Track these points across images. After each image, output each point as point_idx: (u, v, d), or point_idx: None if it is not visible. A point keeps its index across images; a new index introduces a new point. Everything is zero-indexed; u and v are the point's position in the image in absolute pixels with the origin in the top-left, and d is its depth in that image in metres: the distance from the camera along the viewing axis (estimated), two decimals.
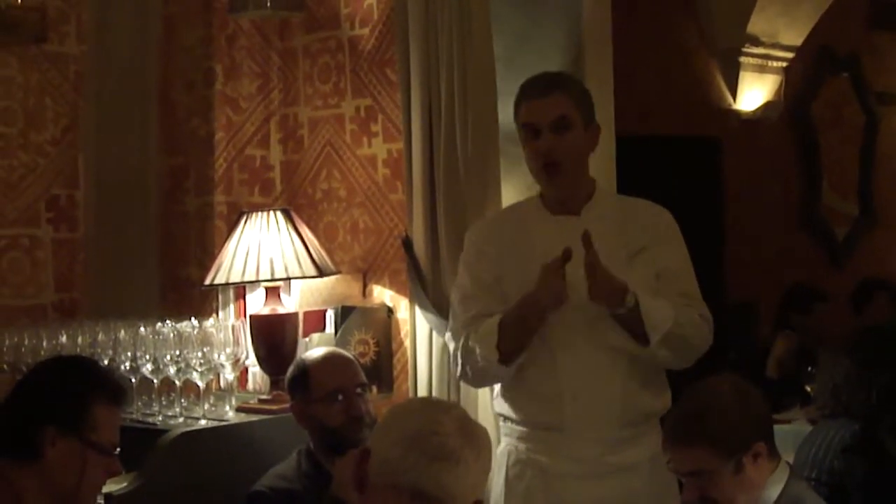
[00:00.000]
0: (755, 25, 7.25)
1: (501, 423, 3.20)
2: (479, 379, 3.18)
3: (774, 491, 2.67)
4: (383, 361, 4.06)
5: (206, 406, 3.72)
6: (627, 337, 2.98)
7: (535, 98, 3.06)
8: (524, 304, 2.97)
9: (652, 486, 3.03)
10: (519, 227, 3.15)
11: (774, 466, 2.70)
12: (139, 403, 3.75)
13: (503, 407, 3.14)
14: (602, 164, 3.23)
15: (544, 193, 3.15)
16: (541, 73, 3.21)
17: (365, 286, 4.19)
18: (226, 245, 3.98)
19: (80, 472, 2.51)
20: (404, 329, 4.03)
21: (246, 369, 4.20)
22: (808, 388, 4.92)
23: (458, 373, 3.17)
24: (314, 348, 3.65)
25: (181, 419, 3.64)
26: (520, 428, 3.10)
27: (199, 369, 3.62)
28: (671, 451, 2.71)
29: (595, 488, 3.02)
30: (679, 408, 2.79)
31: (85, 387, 2.56)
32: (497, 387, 3.21)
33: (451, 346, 3.16)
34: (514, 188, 3.78)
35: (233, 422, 3.68)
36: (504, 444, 3.16)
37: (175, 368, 3.61)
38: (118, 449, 2.61)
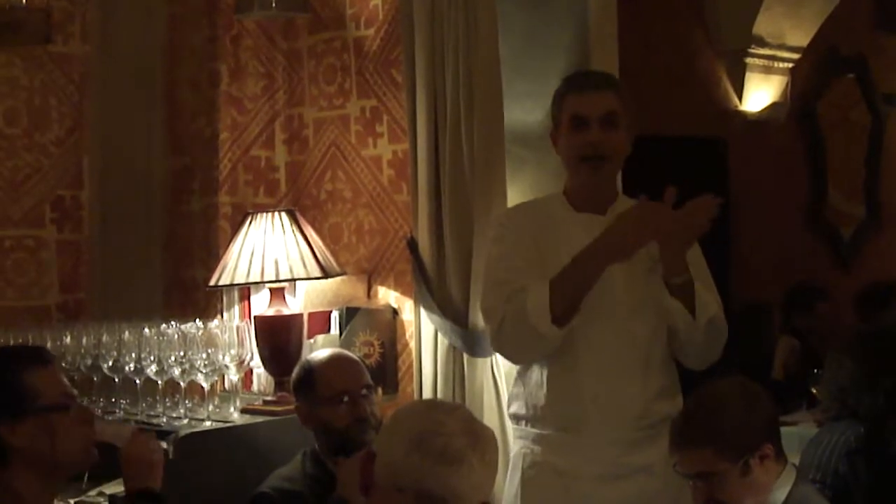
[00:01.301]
0: (761, 26, 7.23)
1: (515, 426, 3.18)
2: (523, 350, 3.06)
3: (781, 494, 2.66)
4: (388, 363, 4.05)
5: (211, 407, 3.72)
6: (681, 306, 2.98)
7: (587, 90, 3.07)
8: (587, 250, 2.93)
9: (668, 488, 3.01)
10: (544, 220, 3.13)
11: (781, 469, 2.69)
12: (143, 405, 3.75)
13: (520, 408, 3.13)
14: None
15: (576, 188, 3.13)
16: (586, 69, 3.18)
17: (370, 287, 4.18)
18: (230, 246, 3.97)
19: (51, 439, 2.48)
20: (409, 330, 4.02)
21: (251, 370, 4.19)
22: (814, 390, 4.91)
23: (497, 346, 3.15)
24: (319, 349, 3.64)
25: (185, 420, 3.64)
26: (536, 430, 3.09)
27: (204, 370, 3.62)
28: (678, 453, 2.70)
29: (612, 490, 3.02)
30: (686, 410, 2.78)
31: (2, 367, 2.52)
32: (511, 389, 3.20)
33: (492, 321, 3.05)
34: (520, 189, 3.77)
35: (237, 423, 3.67)
36: (519, 446, 3.15)
37: (179, 370, 3.61)
38: (76, 397, 2.57)
